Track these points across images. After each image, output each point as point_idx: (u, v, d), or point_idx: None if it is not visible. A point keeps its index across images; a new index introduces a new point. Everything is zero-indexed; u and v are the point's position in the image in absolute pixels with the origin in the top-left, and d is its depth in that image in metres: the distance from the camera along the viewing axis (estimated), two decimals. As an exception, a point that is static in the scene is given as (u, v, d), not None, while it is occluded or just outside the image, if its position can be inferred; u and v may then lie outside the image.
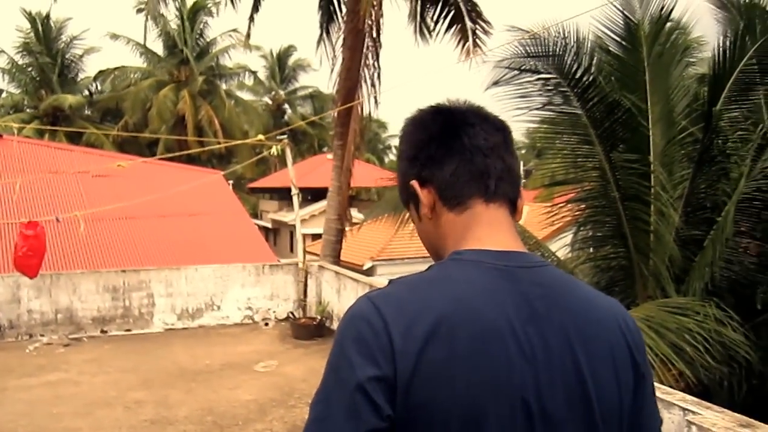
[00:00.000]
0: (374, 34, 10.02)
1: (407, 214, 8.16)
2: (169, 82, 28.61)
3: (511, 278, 0.94)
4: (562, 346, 0.92)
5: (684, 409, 3.00)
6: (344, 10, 11.38)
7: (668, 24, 6.78)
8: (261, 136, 10.72)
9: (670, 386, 4.10)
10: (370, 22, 9.86)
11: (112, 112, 30.32)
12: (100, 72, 29.76)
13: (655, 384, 3.58)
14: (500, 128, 1.08)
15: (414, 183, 1.05)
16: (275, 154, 10.43)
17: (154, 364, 7.74)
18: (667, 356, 4.90)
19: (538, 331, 0.91)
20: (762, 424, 2.68)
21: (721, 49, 6.60)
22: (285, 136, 10.71)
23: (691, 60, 9.10)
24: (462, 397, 0.85)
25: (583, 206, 7.10)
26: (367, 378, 0.85)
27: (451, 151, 1.03)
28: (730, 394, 5.76)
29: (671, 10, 6.58)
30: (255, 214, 31.66)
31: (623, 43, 6.74)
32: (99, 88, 31.08)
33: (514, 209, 1.06)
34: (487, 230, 1.01)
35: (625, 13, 6.67)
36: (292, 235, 30.34)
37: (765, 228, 6.30)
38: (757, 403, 5.71)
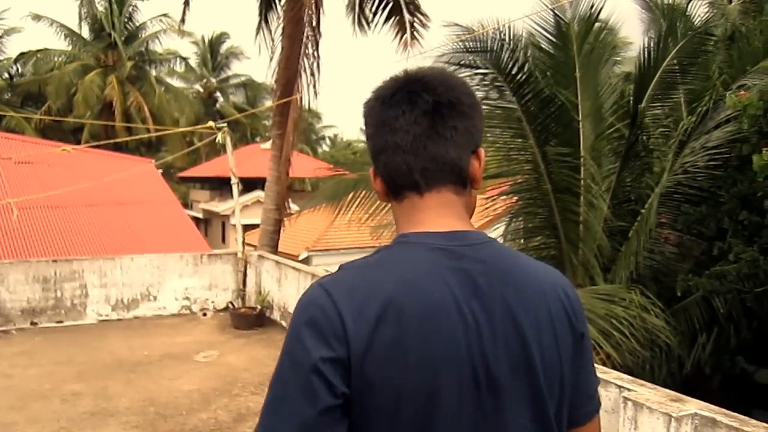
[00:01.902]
0: (314, 24, 10.03)
1: (343, 205, 8.24)
2: (95, 66, 27.53)
3: (454, 256, 1.00)
4: (504, 318, 0.98)
5: (620, 387, 3.24)
6: (283, -1, 11.35)
7: (597, 24, 7.08)
8: (211, 123, 10.54)
9: (601, 367, 4.34)
10: (310, 12, 9.86)
11: (34, 97, 28.96)
12: (22, 54, 28.32)
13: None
14: (428, 110, 1.06)
15: (370, 171, 1.13)
16: (220, 141, 10.31)
17: (90, 355, 7.57)
18: (596, 340, 5.18)
19: (481, 305, 0.97)
20: (690, 398, 2.94)
21: (646, 49, 6.97)
22: (225, 124, 10.57)
23: (617, 59, 9.54)
24: (414, 373, 0.92)
25: (515, 198, 7.37)
26: (321, 359, 0.91)
27: (379, 149, 1.09)
28: (651, 376, 6.13)
29: (599, 11, 6.87)
30: (185, 204, 30.98)
31: (555, 41, 7.00)
32: (20, 71, 29.56)
33: (463, 184, 1.09)
34: (428, 214, 1.06)
35: (556, 12, 6.94)
36: (224, 225, 29.87)
37: (684, 220, 6.70)
38: (676, 386, 6.11)
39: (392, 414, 0.92)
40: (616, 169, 6.95)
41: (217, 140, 10.29)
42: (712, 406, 2.75)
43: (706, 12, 9.70)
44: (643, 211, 6.46)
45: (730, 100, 5.66)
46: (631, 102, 7.04)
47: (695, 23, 7.63)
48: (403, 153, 1.07)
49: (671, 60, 6.87)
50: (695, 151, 6.36)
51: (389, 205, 1.15)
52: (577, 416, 1.09)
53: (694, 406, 2.78)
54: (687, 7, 9.20)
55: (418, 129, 1.06)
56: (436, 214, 1.06)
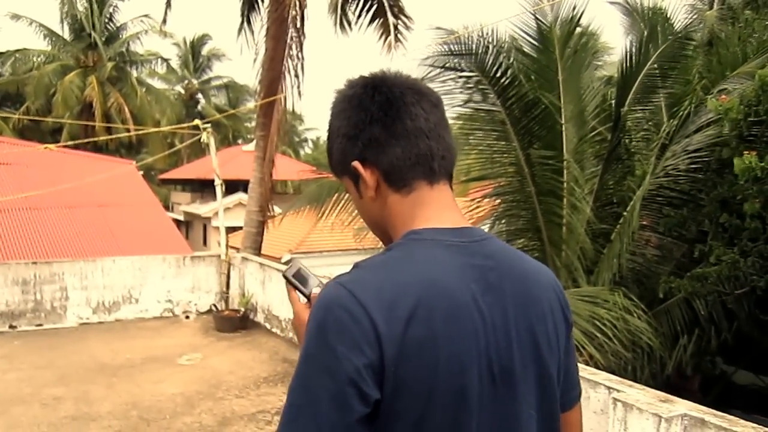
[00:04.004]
0: (298, 25, 10.02)
1: (326, 208, 8.24)
2: (75, 67, 27.22)
3: (467, 253, 1.01)
4: (516, 311, 1.01)
5: (609, 388, 3.26)
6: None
7: (578, 28, 7.15)
8: (197, 121, 10.51)
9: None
10: (294, 12, 9.85)
11: (12, 97, 28.62)
12: (0, 54, 28.02)
13: (580, 365, 3.85)
14: (436, 103, 1.09)
15: (356, 164, 1.06)
16: (206, 141, 10.26)
17: (71, 359, 7.47)
18: (579, 341, 5.22)
19: (494, 300, 0.99)
20: (679, 398, 2.97)
21: (628, 53, 7.04)
22: (209, 125, 10.51)
23: (599, 63, 9.62)
24: (444, 372, 0.91)
25: (498, 201, 7.40)
26: (355, 368, 0.88)
27: (395, 134, 1.04)
28: (633, 378, 6.18)
29: (581, 15, 6.94)
30: (166, 206, 30.72)
31: (538, 44, 7.06)
32: (-2, 71, 29.23)
33: (451, 181, 1.12)
34: (435, 210, 1.06)
35: (538, 16, 6.99)
36: (205, 227, 29.66)
37: (666, 222, 6.76)
38: (658, 387, 6.17)
39: (421, 414, 0.91)
40: (598, 172, 7.00)
41: (202, 140, 10.23)
42: (701, 407, 2.78)
43: (686, 17, 9.84)
44: (625, 213, 6.51)
45: (712, 104, 5.73)
46: (614, 105, 7.10)
47: (675, 28, 7.73)
48: (426, 138, 1.06)
49: (652, 64, 6.95)
50: (677, 154, 6.43)
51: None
52: (564, 401, 1.12)
53: (683, 406, 2.81)
54: (667, 12, 9.33)
55: (434, 118, 1.08)
56: (443, 209, 1.07)
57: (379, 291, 0.92)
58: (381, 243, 1.17)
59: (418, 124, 1.05)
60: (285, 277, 1.15)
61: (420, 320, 0.91)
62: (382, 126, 1.05)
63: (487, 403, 0.96)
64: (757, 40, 7.42)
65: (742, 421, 2.62)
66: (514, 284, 1.03)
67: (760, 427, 2.59)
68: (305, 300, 1.14)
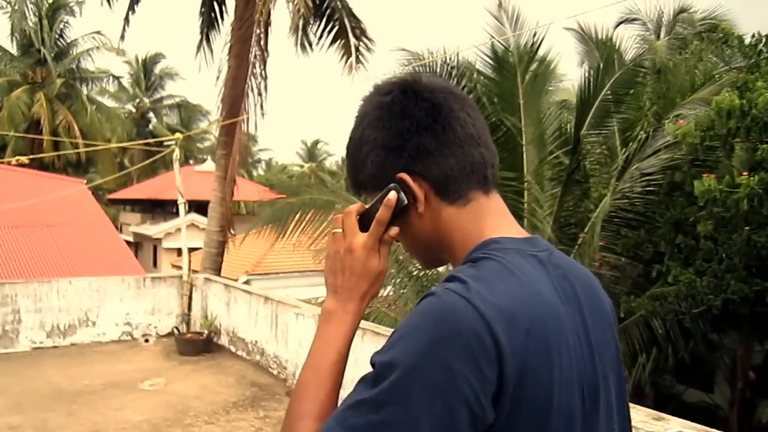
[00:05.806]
0: (262, 43, 10.04)
1: (287, 229, 8.22)
2: (22, 83, 26.52)
3: (544, 263, 0.95)
4: (592, 322, 0.96)
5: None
6: (226, 18, 11.36)
7: (539, 54, 7.40)
8: (178, 134, 10.46)
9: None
10: (258, 31, 9.87)
11: (-45, 113, 27.65)
12: (-58, 69, 27.08)
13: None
14: (476, 108, 1.03)
15: (404, 176, 0.96)
16: (177, 155, 10.16)
17: (25, 385, 7.20)
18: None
19: (574, 311, 0.94)
20: (672, 417, 3.05)
21: (585, 80, 7.31)
22: (174, 142, 10.42)
23: (551, 89, 9.94)
24: (558, 389, 0.86)
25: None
26: (472, 388, 0.79)
27: (447, 143, 0.96)
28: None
29: (540, 42, 7.19)
30: (115, 227, 29.96)
31: (501, 69, 7.27)
32: (-61, 86, 28.19)
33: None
34: (499, 219, 1.00)
35: (502, 42, 7.22)
36: (155, 249, 29.01)
37: (624, 243, 6.99)
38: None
39: None
40: (557, 194, 7.20)
41: (175, 153, 10.15)
42: (695, 424, 2.87)
43: (637, 46, 10.28)
44: (583, 234, 6.69)
45: (670, 128, 5.98)
46: (572, 129, 7.33)
47: (624, 57, 8.06)
48: (478, 146, 0.99)
49: (607, 91, 7.21)
50: (633, 177, 6.67)
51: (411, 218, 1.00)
52: None
53: (677, 424, 2.89)
54: (619, 42, 9.73)
55: (480, 123, 1.01)
56: (505, 218, 1.02)
57: (497, 303, 0.84)
58: (419, 264, 1.12)
59: (468, 131, 0.98)
60: (396, 190, 0.98)
61: (537, 334, 0.85)
62: (432, 134, 0.96)
63: (580, 421, 0.90)
64: (703, 71, 7.79)
65: (734, 435, 2.72)
66: (585, 294, 0.98)
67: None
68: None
